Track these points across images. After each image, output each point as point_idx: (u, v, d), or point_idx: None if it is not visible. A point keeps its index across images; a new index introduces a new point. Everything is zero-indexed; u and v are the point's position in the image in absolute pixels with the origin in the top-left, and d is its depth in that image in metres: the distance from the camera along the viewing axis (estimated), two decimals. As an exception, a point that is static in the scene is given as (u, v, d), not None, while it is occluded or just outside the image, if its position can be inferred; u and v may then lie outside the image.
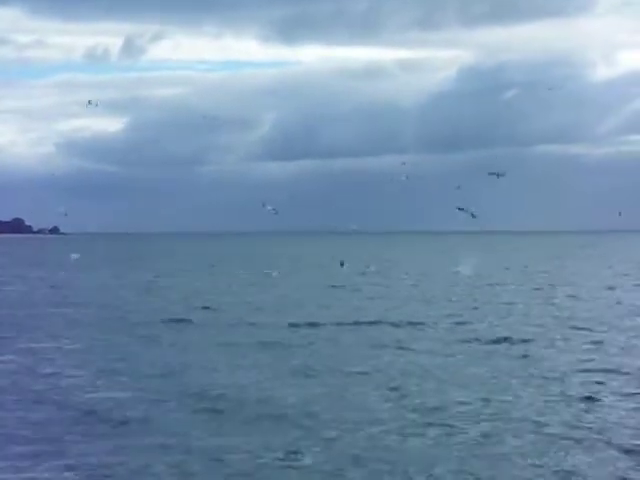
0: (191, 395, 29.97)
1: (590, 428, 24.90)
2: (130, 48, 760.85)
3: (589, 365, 35.33)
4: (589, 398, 28.70)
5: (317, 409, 27.58)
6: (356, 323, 50.87)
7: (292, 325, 50.12)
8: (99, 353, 40.48)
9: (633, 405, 27.92)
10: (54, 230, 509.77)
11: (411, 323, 50.69)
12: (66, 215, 79.98)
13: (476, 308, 60.43)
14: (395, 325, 50.03)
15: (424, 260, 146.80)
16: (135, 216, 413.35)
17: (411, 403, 28.53)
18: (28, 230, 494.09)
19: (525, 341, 42.83)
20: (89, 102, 71.20)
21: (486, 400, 28.48)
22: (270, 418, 26.30)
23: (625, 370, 34.06)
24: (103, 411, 27.51)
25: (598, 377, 32.64)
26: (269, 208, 75.02)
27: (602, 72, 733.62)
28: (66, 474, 21.33)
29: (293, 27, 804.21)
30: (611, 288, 77.65)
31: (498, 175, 61.00)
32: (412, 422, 25.99)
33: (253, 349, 41.20)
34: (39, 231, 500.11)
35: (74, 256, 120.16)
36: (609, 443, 23.33)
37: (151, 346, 42.57)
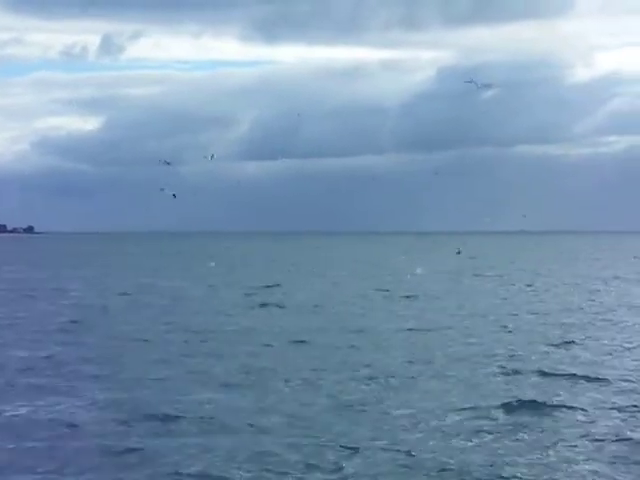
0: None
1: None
2: (109, 46, 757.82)
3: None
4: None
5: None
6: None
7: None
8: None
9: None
10: (29, 229, 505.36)
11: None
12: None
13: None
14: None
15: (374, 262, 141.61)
16: (111, 216, 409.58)
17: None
18: (2, 229, 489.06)
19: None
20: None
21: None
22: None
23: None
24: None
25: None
26: None
27: (580, 73, 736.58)
28: None
29: (274, 27, 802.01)
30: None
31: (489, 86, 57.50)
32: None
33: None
34: (13, 230, 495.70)
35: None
36: None
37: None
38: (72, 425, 25.30)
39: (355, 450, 22.29)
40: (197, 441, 23.40)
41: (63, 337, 45.03)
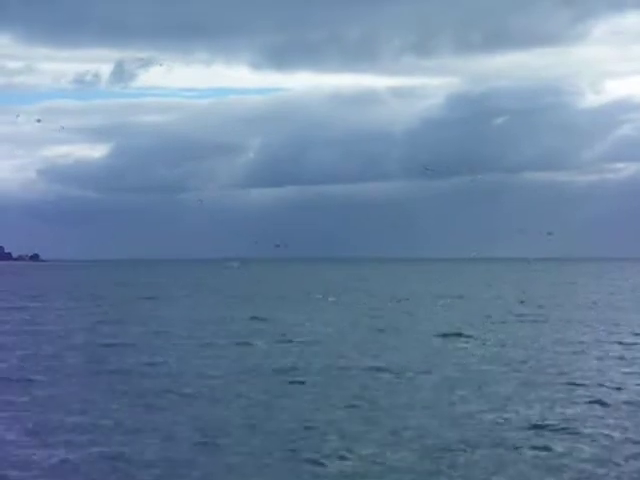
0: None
1: None
2: (120, 74, 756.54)
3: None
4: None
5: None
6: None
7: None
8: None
9: None
10: (34, 257, 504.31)
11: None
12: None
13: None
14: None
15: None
16: (116, 243, 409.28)
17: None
18: (8, 257, 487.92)
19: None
20: None
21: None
22: None
23: None
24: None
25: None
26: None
27: (589, 100, 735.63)
28: None
29: (285, 54, 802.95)
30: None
31: None
32: None
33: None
34: (19, 258, 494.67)
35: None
36: None
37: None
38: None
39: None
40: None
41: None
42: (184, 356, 48.12)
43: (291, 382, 38.43)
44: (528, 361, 45.50)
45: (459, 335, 58.38)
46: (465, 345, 53.27)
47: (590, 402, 33.46)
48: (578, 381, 38.42)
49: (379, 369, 42.09)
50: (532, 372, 41.56)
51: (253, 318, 73.86)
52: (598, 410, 31.99)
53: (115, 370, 42.90)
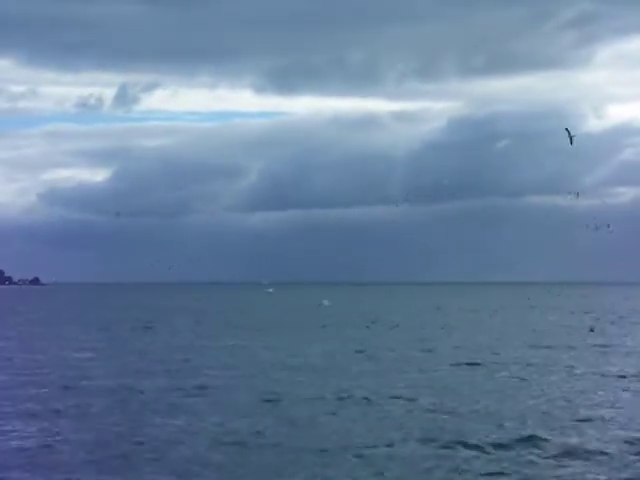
0: None
1: None
2: (123, 98, 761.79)
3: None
4: None
5: None
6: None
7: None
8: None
9: None
10: (35, 281, 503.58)
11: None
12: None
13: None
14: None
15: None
16: (117, 266, 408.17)
17: None
18: (8, 281, 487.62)
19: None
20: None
21: None
22: None
23: None
24: None
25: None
26: None
27: (592, 124, 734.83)
28: None
29: (288, 77, 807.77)
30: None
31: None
32: None
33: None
34: (19, 282, 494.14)
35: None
36: None
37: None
38: None
39: None
40: None
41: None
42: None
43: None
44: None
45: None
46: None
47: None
48: None
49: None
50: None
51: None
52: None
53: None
